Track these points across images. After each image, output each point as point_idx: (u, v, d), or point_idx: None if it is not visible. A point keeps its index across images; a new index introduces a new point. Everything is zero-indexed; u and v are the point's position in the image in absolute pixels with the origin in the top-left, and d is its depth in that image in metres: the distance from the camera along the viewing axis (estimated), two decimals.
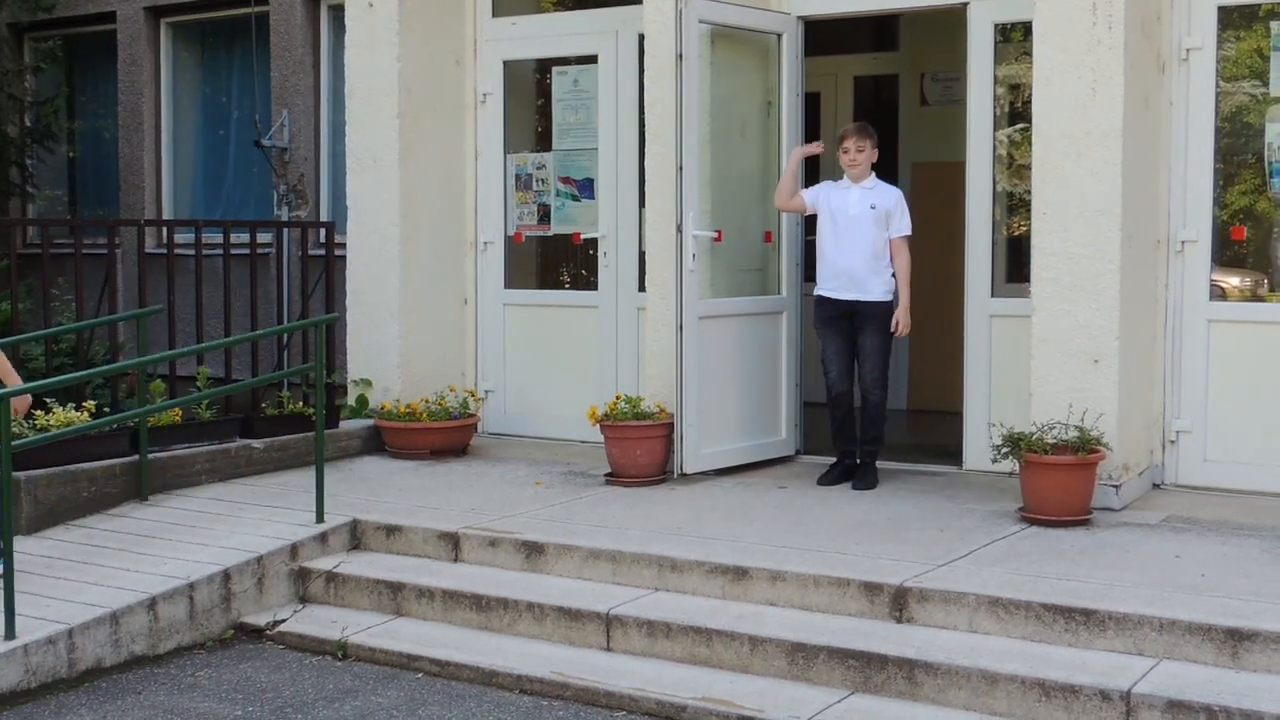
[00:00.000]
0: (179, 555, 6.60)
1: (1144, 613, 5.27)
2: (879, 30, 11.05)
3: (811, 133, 9.55)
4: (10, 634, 5.62)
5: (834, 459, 7.76)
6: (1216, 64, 7.26)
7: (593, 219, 9.19)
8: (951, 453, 8.10)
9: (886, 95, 10.97)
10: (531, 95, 9.83)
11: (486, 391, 9.48)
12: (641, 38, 8.38)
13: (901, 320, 7.57)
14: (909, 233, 7.61)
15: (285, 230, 10.07)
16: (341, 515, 7.09)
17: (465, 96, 9.50)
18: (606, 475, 7.88)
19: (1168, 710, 4.83)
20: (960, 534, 6.49)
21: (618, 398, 8.05)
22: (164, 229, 10.07)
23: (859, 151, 7.58)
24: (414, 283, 9.18)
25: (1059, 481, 6.63)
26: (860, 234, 7.55)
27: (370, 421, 8.91)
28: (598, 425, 7.95)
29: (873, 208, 7.53)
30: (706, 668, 5.63)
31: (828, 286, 7.63)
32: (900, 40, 10.81)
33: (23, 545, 6.57)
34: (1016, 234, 8.34)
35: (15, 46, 12.33)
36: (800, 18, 8.30)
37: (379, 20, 9.09)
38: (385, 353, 9.12)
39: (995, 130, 7.88)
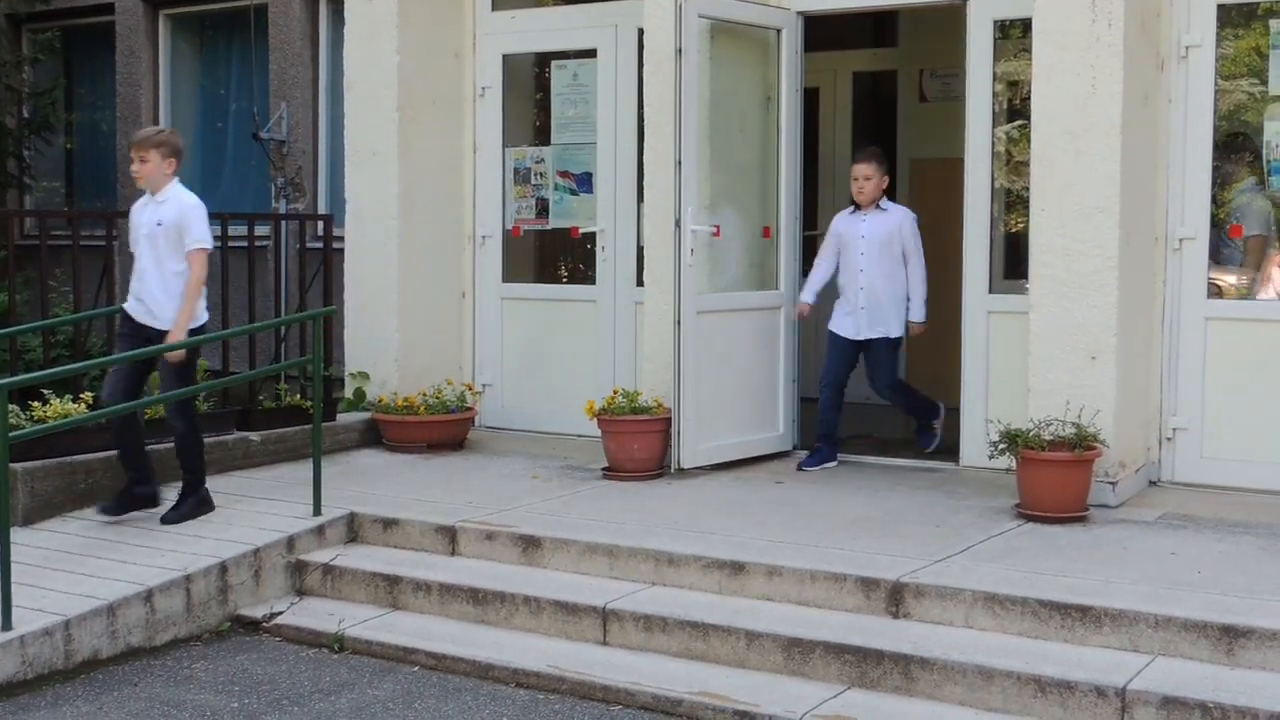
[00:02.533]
0: (176, 547, 6.60)
1: (1140, 609, 5.28)
2: (878, 26, 11.05)
3: (810, 128, 9.56)
4: (7, 625, 5.63)
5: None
6: (1215, 62, 7.26)
7: (591, 213, 9.19)
8: (948, 449, 8.11)
9: (885, 91, 10.96)
10: (530, 89, 9.83)
11: (484, 385, 9.48)
12: (641, 32, 8.38)
13: (171, 336, 6.80)
14: (205, 245, 6.85)
15: (283, 223, 10.06)
16: (339, 508, 7.09)
17: (464, 90, 9.50)
18: (604, 469, 7.88)
19: (1163, 707, 4.84)
20: (957, 530, 6.50)
21: (615, 392, 8.05)
22: None
23: (142, 163, 6.91)
24: (412, 276, 9.18)
25: (1056, 478, 6.64)
26: (146, 254, 6.91)
27: (367, 415, 8.91)
28: (595, 419, 7.95)
29: (160, 224, 6.86)
30: (703, 662, 5.63)
31: (130, 303, 7.03)
32: (899, 36, 10.81)
33: (19, 536, 6.56)
34: (1014, 230, 8.34)
35: (13, 38, 12.31)
36: (800, 13, 8.29)
37: (378, 13, 9.09)
38: (383, 346, 9.12)
39: (994, 127, 7.88)
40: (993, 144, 7.89)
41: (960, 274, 7.96)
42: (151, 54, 11.53)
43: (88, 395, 7.52)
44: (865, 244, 7.99)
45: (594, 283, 9.19)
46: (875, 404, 10.50)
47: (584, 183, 9.25)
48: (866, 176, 7.96)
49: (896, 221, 8.03)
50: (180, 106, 11.64)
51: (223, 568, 6.45)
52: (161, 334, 6.91)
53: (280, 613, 6.50)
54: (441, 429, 8.69)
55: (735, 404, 8.04)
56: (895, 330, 8.04)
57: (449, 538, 6.78)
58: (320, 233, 9.72)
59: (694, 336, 7.76)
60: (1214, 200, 7.32)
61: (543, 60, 9.60)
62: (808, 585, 5.87)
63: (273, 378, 8.80)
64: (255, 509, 7.18)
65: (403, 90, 9.08)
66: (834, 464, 7.99)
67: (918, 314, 8.05)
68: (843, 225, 8.11)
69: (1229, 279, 7.61)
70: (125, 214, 9.82)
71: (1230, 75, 7.37)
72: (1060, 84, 6.96)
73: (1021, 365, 7.20)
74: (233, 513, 7.13)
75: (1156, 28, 7.27)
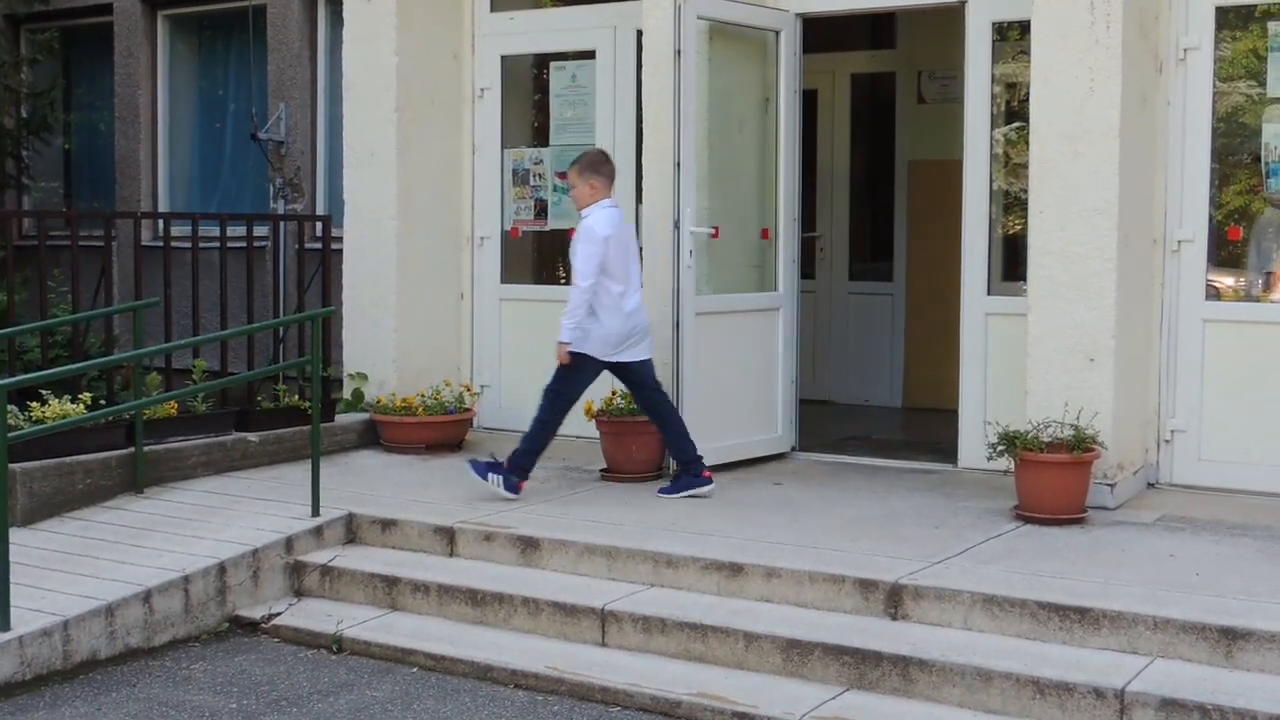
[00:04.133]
0: (174, 548, 6.60)
1: (1138, 611, 5.28)
2: (876, 28, 11.06)
3: (809, 130, 9.57)
4: (5, 625, 5.62)
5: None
6: (1213, 64, 7.27)
7: None
8: (947, 450, 8.12)
9: (884, 93, 10.97)
10: (529, 90, 9.83)
11: (482, 386, 9.47)
12: (640, 33, 8.38)
13: None
14: None
15: (282, 224, 10.05)
16: (337, 509, 7.09)
17: (463, 91, 9.50)
18: (602, 471, 7.88)
19: (1161, 709, 4.84)
20: (955, 532, 6.50)
21: (614, 393, 8.05)
22: (160, 222, 10.06)
23: None
24: (410, 277, 9.18)
25: (1054, 480, 6.65)
26: None
27: (366, 415, 8.91)
28: (594, 421, 7.95)
29: None
30: (701, 664, 5.64)
31: None
32: (898, 38, 10.82)
33: (18, 537, 6.55)
34: (1013, 233, 8.35)
35: (12, 38, 12.30)
36: (798, 15, 8.30)
37: (377, 14, 9.09)
38: (381, 347, 9.12)
39: (992, 129, 7.89)
40: (991, 146, 7.90)
41: (959, 276, 7.96)
42: (150, 54, 11.52)
43: (86, 396, 7.52)
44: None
45: None
46: (873, 406, 10.56)
47: None
48: (571, 185, 7.36)
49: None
50: (179, 107, 11.64)
51: (221, 568, 6.45)
52: None
53: (279, 613, 6.49)
54: (440, 430, 8.69)
55: (734, 405, 8.04)
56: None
57: (447, 538, 6.77)
58: (319, 233, 9.72)
59: (692, 338, 7.76)
60: (1212, 202, 7.33)
61: (541, 61, 9.60)
62: (806, 587, 5.87)
63: (271, 378, 8.80)
64: (253, 510, 7.18)
65: (401, 91, 9.08)
66: (515, 496, 7.22)
67: (562, 332, 7.20)
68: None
69: (1228, 281, 7.63)
70: (124, 214, 9.90)
71: (1228, 77, 7.38)
72: (1058, 86, 6.97)
73: (1020, 367, 7.21)
74: (231, 513, 7.12)
75: (1155, 30, 7.28)
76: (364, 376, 9.11)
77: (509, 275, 9.55)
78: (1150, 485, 7.44)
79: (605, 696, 5.48)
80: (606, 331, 7.25)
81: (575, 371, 7.30)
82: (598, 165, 7.34)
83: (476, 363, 9.56)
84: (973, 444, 7.74)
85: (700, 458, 7.35)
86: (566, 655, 5.79)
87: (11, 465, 6.62)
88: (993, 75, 7.87)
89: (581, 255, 7.17)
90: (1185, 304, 7.37)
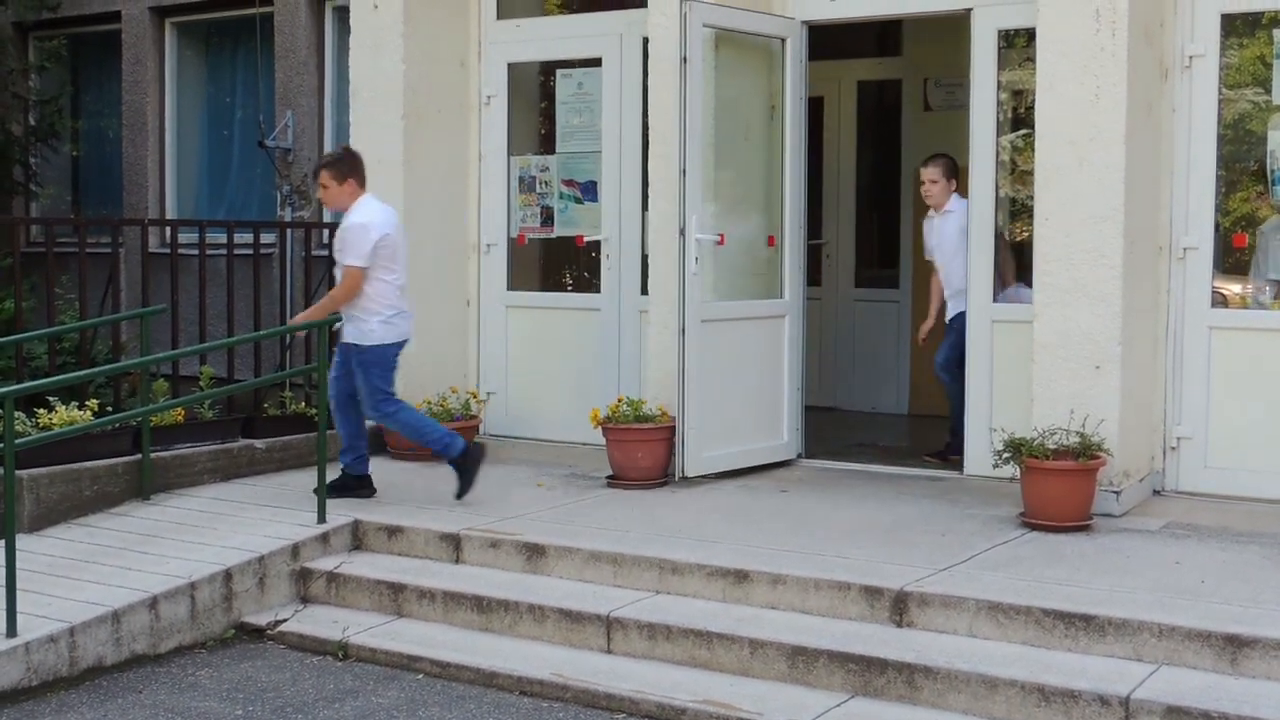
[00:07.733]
0: (181, 554, 6.61)
1: (1144, 618, 5.28)
2: (883, 35, 11.05)
3: (815, 137, 9.57)
4: (12, 632, 5.64)
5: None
6: (1219, 71, 7.27)
7: (596, 222, 9.19)
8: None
9: (890, 100, 10.97)
10: (535, 98, 9.84)
11: (488, 393, 9.48)
12: (646, 41, 8.39)
13: None
14: None
15: (289, 231, 10.08)
16: (343, 516, 7.10)
17: (469, 98, 9.52)
18: (608, 477, 7.89)
19: (1167, 716, 4.83)
20: (961, 539, 6.50)
21: (619, 400, 8.06)
22: (167, 228, 10.09)
23: None
24: (416, 284, 9.11)
25: (1060, 487, 6.64)
26: None
27: (372, 423, 8.89)
28: (599, 427, 7.96)
29: None
30: (707, 670, 5.64)
31: None
32: (904, 45, 10.81)
33: (25, 543, 6.57)
34: (1019, 239, 8.35)
35: (20, 45, 12.34)
36: (804, 22, 8.31)
37: (383, 22, 9.10)
38: None
39: (998, 136, 7.89)
40: (997, 153, 7.90)
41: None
42: (158, 61, 11.56)
43: (93, 402, 7.53)
44: None
45: (599, 291, 9.19)
46: (880, 413, 10.55)
47: (589, 191, 9.26)
48: None
49: None
50: (186, 114, 11.67)
51: (227, 575, 6.46)
52: None
53: (284, 620, 6.50)
54: None
55: (739, 412, 8.04)
56: None
57: (453, 545, 6.78)
58: (325, 240, 9.73)
59: (698, 345, 7.76)
60: (1218, 209, 7.33)
61: (548, 69, 9.61)
62: (812, 594, 5.87)
63: (278, 385, 8.81)
64: (260, 516, 7.19)
65: (408, 99, 9.09)
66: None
67: None
68: None
69: (1234, 288, 7.62)
70: (132, 221, 9.93)
71: (1234, 85, 7.38)
72: (1064, 93, 6.97)
73: (1025, 374, 7.20)
74: (237, 520, 7.13)
75: (1160, 37, 7.28)
76: None
77: (515, 282, 9.56)
78: (1156, 492, 7.43)
79: (610, 703, 5.48)
80: None
81: None
82: None
83: (483, 370, 9.57)
84: (979, 451, 7.73)
85: None
86: (572, 662, 5.80)
87: (19, 472, 6.64)
88: (998, 83, 7.87)
89: None
90: (1191, 311, 7.36)
